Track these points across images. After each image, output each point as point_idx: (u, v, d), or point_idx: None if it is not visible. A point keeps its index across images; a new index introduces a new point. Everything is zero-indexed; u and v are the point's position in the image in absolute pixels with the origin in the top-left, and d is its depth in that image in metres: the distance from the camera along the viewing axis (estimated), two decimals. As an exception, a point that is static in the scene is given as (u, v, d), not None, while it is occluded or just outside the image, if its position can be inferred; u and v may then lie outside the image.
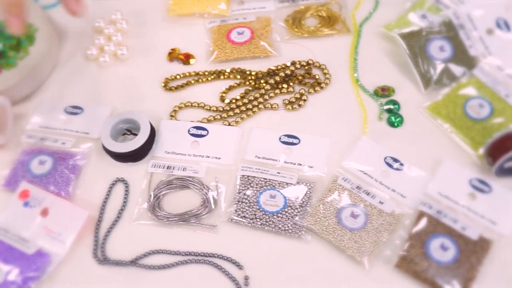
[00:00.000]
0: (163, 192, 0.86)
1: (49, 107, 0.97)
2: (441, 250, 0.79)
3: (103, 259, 0.82)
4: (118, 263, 0.81)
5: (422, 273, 0.77)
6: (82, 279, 0.81)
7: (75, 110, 0.96)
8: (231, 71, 0.98)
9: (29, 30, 1.01)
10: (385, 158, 0.88)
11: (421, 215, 0.82)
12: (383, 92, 0.94)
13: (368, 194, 0.84)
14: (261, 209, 0.83)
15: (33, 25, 1.01)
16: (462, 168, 0.86)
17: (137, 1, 1.09)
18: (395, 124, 0.91)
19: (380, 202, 0.83)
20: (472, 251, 0.79)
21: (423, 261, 0.78)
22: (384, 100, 0.94)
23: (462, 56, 0.94)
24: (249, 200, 0.84)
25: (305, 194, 0.85)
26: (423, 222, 0.81)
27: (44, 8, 1.10)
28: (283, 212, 0.83)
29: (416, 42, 0.95)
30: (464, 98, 0.91)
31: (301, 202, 0.84)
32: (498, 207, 0.82)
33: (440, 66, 0.93)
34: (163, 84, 0.98)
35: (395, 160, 0.87)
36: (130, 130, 0.92)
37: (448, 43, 0.95)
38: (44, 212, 0.84)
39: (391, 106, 0.93)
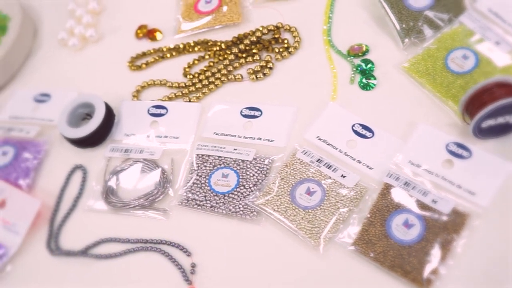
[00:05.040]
0: (118, 178, 0.82)
1: (20, 96, 0.95)
2: (404, 228, 0.68)
3: (56, 249, 0.79)
4: (69, 254, 0.78)
5: (380, 254, 0.68)
6: (34, 270, 0.79)
7: (43, 98, 0.94)
8: (195, 44, 0.92)
9: (2, 20, 1.00)
10: (353, 125, 0.78)
11: (386, 188, 0.72)
12: (356, 51, 0.84)
13: (329, 167, 0.75)
14: (211, 190, 0.77)
15: (6, 14, 1.00)
16: (439, 131, 0.74)
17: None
18: (368, 86, 0.81)
19: (342, 175, 0.74)
20: (442, 228, 0.68)
21: (383, 241, 0.68)
22: (357, 61, 0.83)
23: (446, 1, 0.82)
24: (200, 181, 0.78)
25: (261, 171, 0.77)
26: (387, 196, 0.71)
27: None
28: (235, 192, 0.76)
29: (391, -9, 0.83)
30: (446, 50, 0.79)
31: (256, 180, 0.76)
32: (477, 175, 0.70)
33: (420, 16, 0.81)
34: (128, 64, 0.94)
35: (365, 127, 0.77)
36: (90, 114, 0.88)
37: (428, -12, 0.82)
38: (2, 204, 0.83)
39: (364, 66, 0.82)
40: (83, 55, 0.98)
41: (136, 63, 0.94)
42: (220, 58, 0.89)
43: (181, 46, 0.92)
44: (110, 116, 0.86)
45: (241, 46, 0.88)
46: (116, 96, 0.90)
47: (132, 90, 0.91)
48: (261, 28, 0.88)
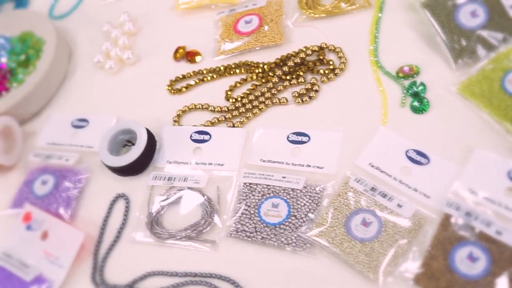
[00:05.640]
0: (162, 207, 0.80)
1: (57, 122, 0.94)
2: (469, 261, 0.65)
3: (101, 283, 0.77)
4: (115, 288, 0.76)
5: (445, 290, 0.65)
6: (79, 305, 0.77)
7: (81, 123, 0.92)
8: (236, 66, 0.89)
9: (37, 43, 0.98)
10: (407, 151, 0.75)
11: (446, 218, 0.69)
12: (406, 72, 0.81)
13: (384, 196, 0.72)
14: (261, 221, 0.74)
15: (40, 37, 0.98)
16: (498, 157, 0.71)
17: (145, 0, 1.03)
18: (420, 109, 0.78)
19: (398, 205, 0.71)
20: (509, 261, 0.65)
21: (446, 276, 0.65)
22: (407, 83, 0.80)
23: (500, 20, 0.78)
24: (249, 212, 0.76)
25: (313, 201, 0.74)
26: (448, 228, 0.68)
27: (55, 19, 1.07)
28: (286, 223, 0.73)
29: (442, 10, 0.80)
30: (502, 71, 0.76)
31: (308, 210, 0.74)
32: (544, 203, 0.67)
33: (473, 35, 0.78)
34: (168, 87, 0.91)
35: (419, 153, 0.74)
36: (131, 140, 0.86)
37: (481, 6, 0.79)
38: (44, 235, 0.81)
39: (416, 89, 0.79)
40: (120, 78, 0.96)
41: (176, 86, 0.92)
42: (263, 80, 0.87)
43: (222, 68, 0.90)
44: (152, 143, 0.84)
45: (285, 68, 0.85)
46: (156, 120, 0.88)
47: (172, 115, 0.89)
48: (304, 49, 0.85)
